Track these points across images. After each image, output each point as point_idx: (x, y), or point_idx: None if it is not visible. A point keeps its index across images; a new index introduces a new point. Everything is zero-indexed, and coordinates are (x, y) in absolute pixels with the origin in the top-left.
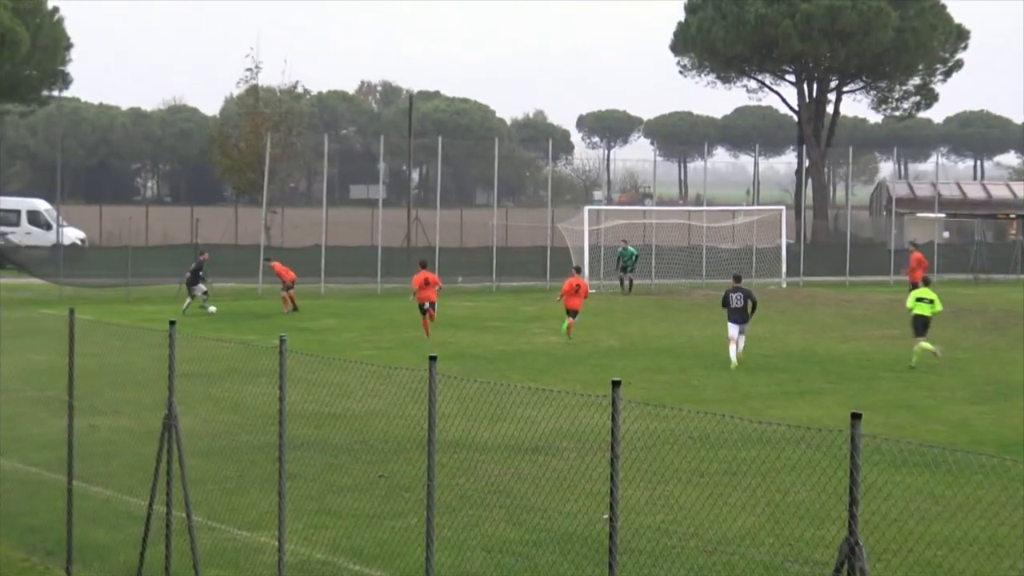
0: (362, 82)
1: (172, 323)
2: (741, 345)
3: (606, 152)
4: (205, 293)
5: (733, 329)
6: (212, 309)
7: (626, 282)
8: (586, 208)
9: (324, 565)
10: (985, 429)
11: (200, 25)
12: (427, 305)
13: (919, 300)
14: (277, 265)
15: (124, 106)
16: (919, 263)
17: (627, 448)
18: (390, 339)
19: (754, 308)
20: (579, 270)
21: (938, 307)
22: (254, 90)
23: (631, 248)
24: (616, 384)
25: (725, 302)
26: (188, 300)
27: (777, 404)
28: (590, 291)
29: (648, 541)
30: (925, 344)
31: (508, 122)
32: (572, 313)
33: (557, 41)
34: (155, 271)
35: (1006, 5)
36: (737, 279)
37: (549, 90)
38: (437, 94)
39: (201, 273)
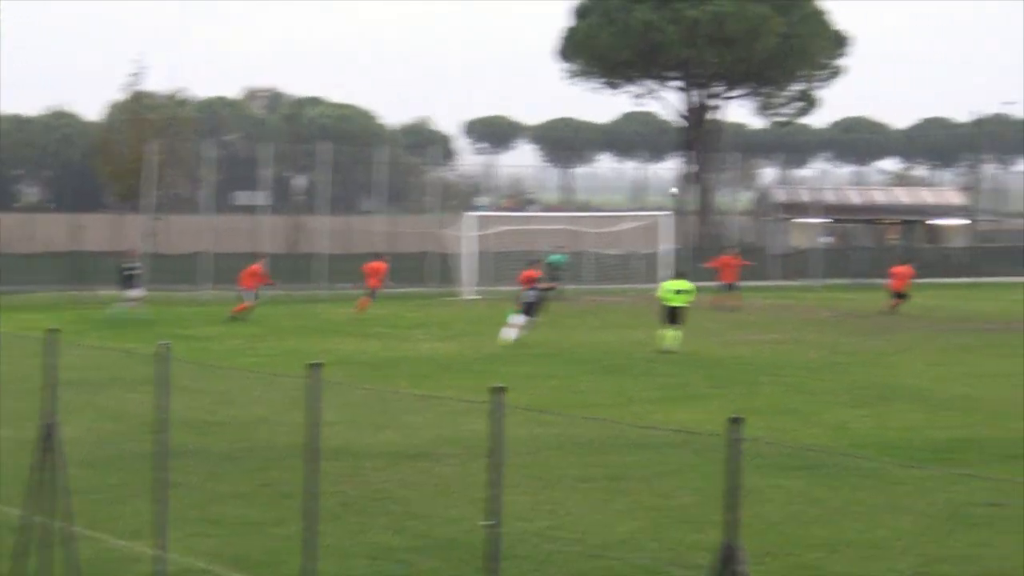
0: (247, 88)
1: (52, 331)
2: None
3: (491, 158)
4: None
5: None
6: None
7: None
8: (470, 214)
9: (205, 574)
10: (865, 432)
11: (84, 31)
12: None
13: (674, 292)
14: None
15: (4, 112)
16: (727, 265)
17: (511, 454)
18: (274, 346)
19: None
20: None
21: (692, 298)
22: (138, 96)
23: (557, 255)
24: (500, 390)
25: None
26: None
27: (661, 409)
28: (474, 298)
29: (531, 547)
30: (675, 333)
31: (393, 128)
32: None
33: (443, 47)
34: (35, 278)
35: (887, 13)
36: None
37: (435, 96)
38: (322, 100)
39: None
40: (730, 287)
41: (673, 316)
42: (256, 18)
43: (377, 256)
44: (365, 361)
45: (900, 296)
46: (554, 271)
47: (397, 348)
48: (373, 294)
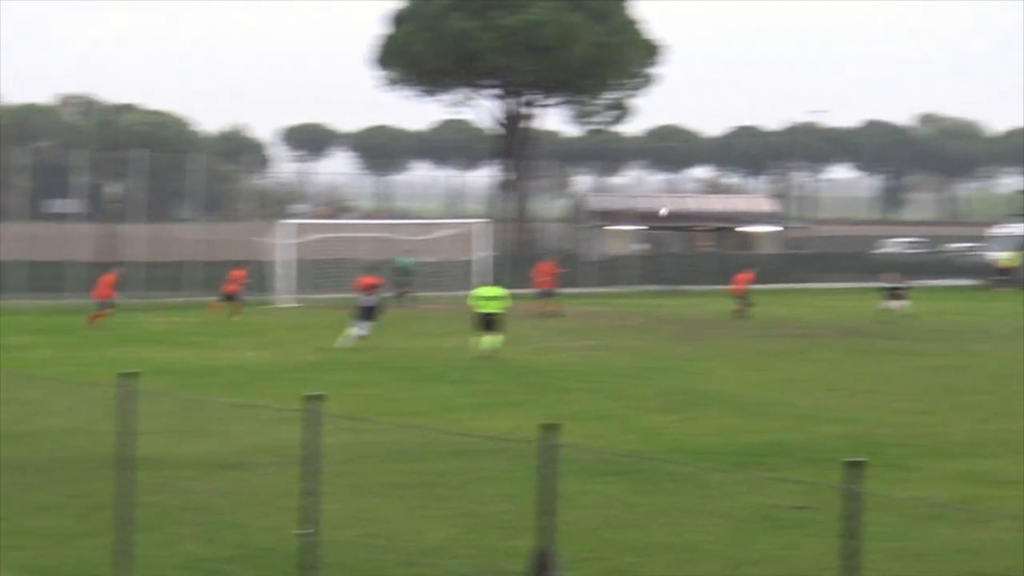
0: (60, 95)
1: None
2: None
3: (307, 165)
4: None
5: None
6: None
7: (404, 296)
8: (285, 222)
9: None
10: (677, 437)
11: None
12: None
13: (485, 298)
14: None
15: None
16: (545, 272)
17: (326, 462)
18: (90, 356)
19: None
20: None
21: (506, 303)
22: None
23: (406, 259)
24: (315, 398)
25: None
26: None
27: (476, 416)
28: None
29: (346, 555)
30: (492, 339)
31: (209, 135)
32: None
33: (259, 54)
34: None
35: (699, 23)
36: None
37: (251, 103)
38: (136, 107)
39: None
40: (547, 294)
41: (488, 323)
42: (69, 23)
43: (239, 264)
44: (181, 370)
45: (743, 300)
46: (404, 276)
47: (213, 357)
48: (230, 299)
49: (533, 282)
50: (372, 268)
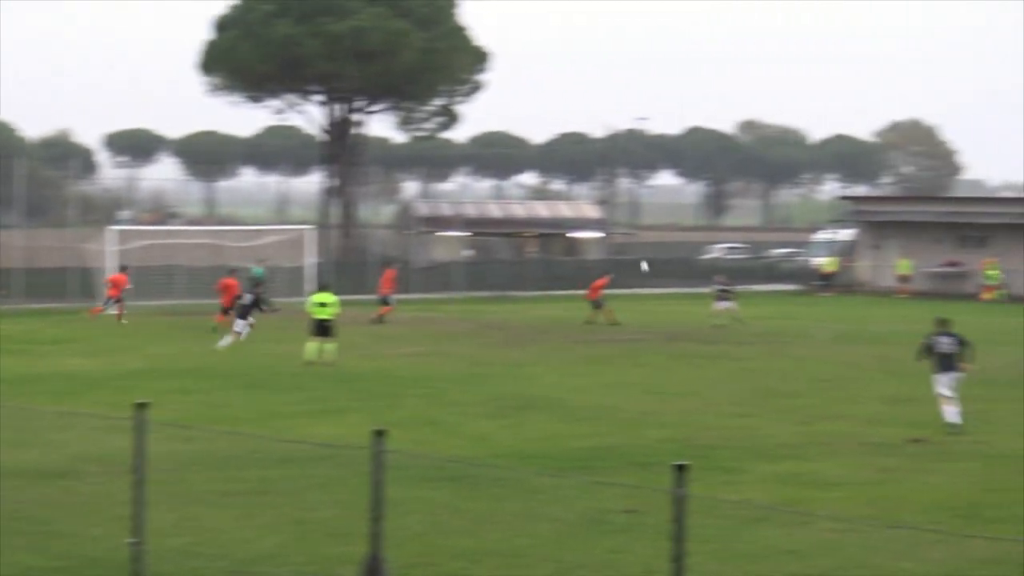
0: None
1: None
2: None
3: (133, 171)
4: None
5: (942, 382)
6: None
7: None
8: (112, 228)
9: None
10: (505, 442)
11: None
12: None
13: (317, 304)
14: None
15: None
16: (386, 278)
17: (153, 470)
18: None
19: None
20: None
21: (336, 310)
22: None
23: (258, 267)
24: (143, 406)
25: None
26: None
27: (303, 423)
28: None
29: (175, 564)
30: (323, 346)
31: (33, 141)
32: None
33: (84, 59)
34: None
35: (525, 30)
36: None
37: (75, 108)
38: None
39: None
40: (385, 300)
41: (321, 329)
42: None
43: (124, 269)
44: (5, 378)
45: (597, 306)
46: (256, 284)
47: (37, 365)
48: (108, 303)
49: (380, 288)
50: (232, 270)
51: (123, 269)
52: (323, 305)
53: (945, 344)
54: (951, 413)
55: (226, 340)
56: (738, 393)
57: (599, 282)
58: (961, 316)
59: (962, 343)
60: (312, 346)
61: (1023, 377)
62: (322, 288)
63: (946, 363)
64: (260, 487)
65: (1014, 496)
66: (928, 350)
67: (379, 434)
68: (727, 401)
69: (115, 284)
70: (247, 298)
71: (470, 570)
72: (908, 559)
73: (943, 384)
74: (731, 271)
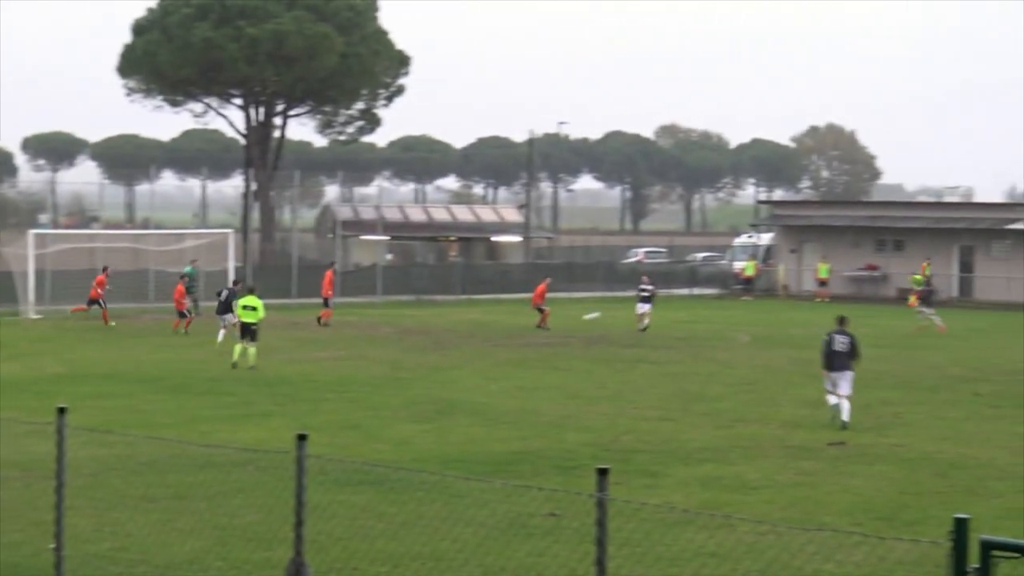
0: None
1: None
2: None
3: (52, 175)
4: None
5: (832, 380)
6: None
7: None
8: (31, 232)
9: None
10: (427, 447)
11: None
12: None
13: (244, 308)
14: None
15: None
16: (327, 280)
17: (74, 475)
18: None
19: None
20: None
21: (261, 314)
22: None
23: (189, 267)
24: (62, 411)
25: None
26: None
27: (225, 427)
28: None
29: (95, 569)
30: (252, 349)
31: None
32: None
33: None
34: None
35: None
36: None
37: None
38: None
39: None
40: (326, 302)
41: (247, 332)
42: None
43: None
44: None
45: (541, 310)
46: (191, 283)
47: None
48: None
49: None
50: (184, 275)
51: (104, 269)
52: (251, 309)
53: (840, 343)
54: (844, 411)
55: (220, 335)
56: (659, 397)
57: (541, 287)
58: (884, 320)
59: (854, 344)
60: (238, 348)
61: (941, 381)
62: (249, 292)
63: (839, 362)
64: (181, 492)
65: (932, 498)
66: (827, 347)
67: (301, 438)
68: (648, 405)
69: (99, 284)
70: (224, 294)
71: (392, 574)
72: (829, 561)
73: (832, 381)
74: (652, 275)
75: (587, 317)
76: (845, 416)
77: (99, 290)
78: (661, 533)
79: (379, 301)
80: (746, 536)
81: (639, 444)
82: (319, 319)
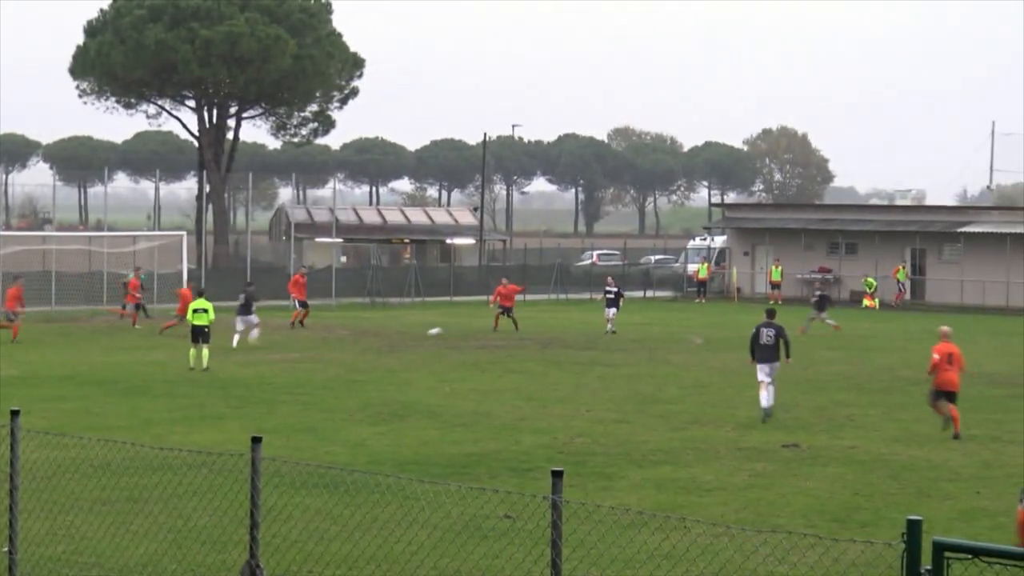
0: None
1: None
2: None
3: (3, 177)
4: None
5: (763, 371)
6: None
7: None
8: None
9: None
10: (382, 449)
11: None
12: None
13: (195, 311)
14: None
15: None
16: (296, 282)
17: (27, 478)
18: None
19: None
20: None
21: (212, 316)
22: None
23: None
24: (15, 413)
25: (755, 340)
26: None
27: (179, 430)
28: None
29: (49, 572)
30: (205, 351)
31: None
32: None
33: None
34: None
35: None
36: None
37: None
38: None
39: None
40: (302, 304)
41: (199, 335)
42: None
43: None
44: None
45: (507, 312)
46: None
47: None
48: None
49: (291, 293)
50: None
51: (136, 270)
52: (203, 311)
53: (766, 335)
54: (765, 398)
55: (254, 334)
56: (613, 399)
57: (514, 288)
58: (842, 322)
59: (779, 335)
60: (193, 352)
61: (894, 383)
62: (199, 295)
63: (766, 353)
64: (135, 495)
65: (885, 500)
66: (754, 339)
67: (256, 441)
68: (603, 407)
69: (133, 288)
70: (242, 297)
71: None
72: (783, 563)
73: (763, 372)
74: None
75: (431, 332)
76: (766, 402)
77: (136, 295)
78: (616, 535)
79: (334, 303)
80: (700, 538)
81: (594, 446)
82: (296, 321)
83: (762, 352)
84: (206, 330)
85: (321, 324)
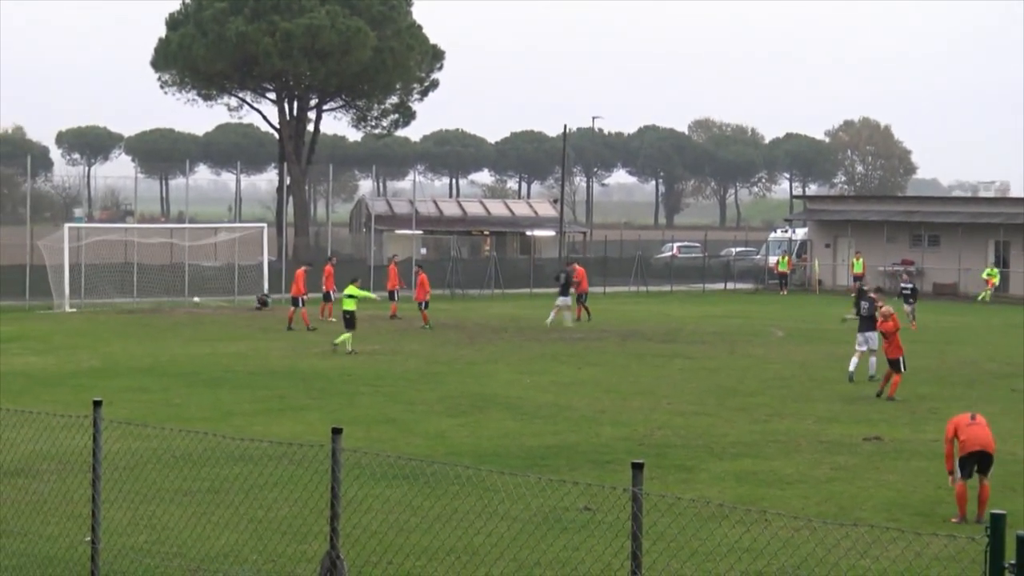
0: None
1: None
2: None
3: (86, 169)
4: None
5: (858, 339)
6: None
7: None
8: (66, 225)
9: None
10: (461, 441)
11: None
12: None
13: (347, 296)
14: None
15: None
16: (394, 274)
17: (109, 468)
18: None
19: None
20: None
21: (359, 300)
22: None
23: None
24: (97, 404)
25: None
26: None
27: (260, 421)
28: (71, 311)
29: (131, 562)
30: (348, 336)
31: None
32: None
33: (36, 55)
34: None
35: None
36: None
37: (28, 105)
38: None
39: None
40: (391, 295)
41: (347, 319)
42: None
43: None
44: None
45: (581, 299)
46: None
47: None
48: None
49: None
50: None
51: (330, 258)
52: (351, 297)
53: (864, 307)
54: (853, 363)
55: (567, 316)
56: (694, 392)
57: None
58: (920, 315)
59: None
60: (347, 336)
61: (977, 376)
62: (351, 282)
63: (862, 323)
64: (216, 485)
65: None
66: (856, 307)
67: (336, 432)
68: (683, 400)
69: (327, 275)
70: (562, 277)
71: (427, 568)
72: (865, 557)
73: (858, 340)
74: (687, 270)
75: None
76: (851, 367)
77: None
78: (696, 528)
79: (413, 295)
80: (781, 531)
81: (674, 439)
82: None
83: (860, 322)
84: (351, 314)
85: (401, 316)
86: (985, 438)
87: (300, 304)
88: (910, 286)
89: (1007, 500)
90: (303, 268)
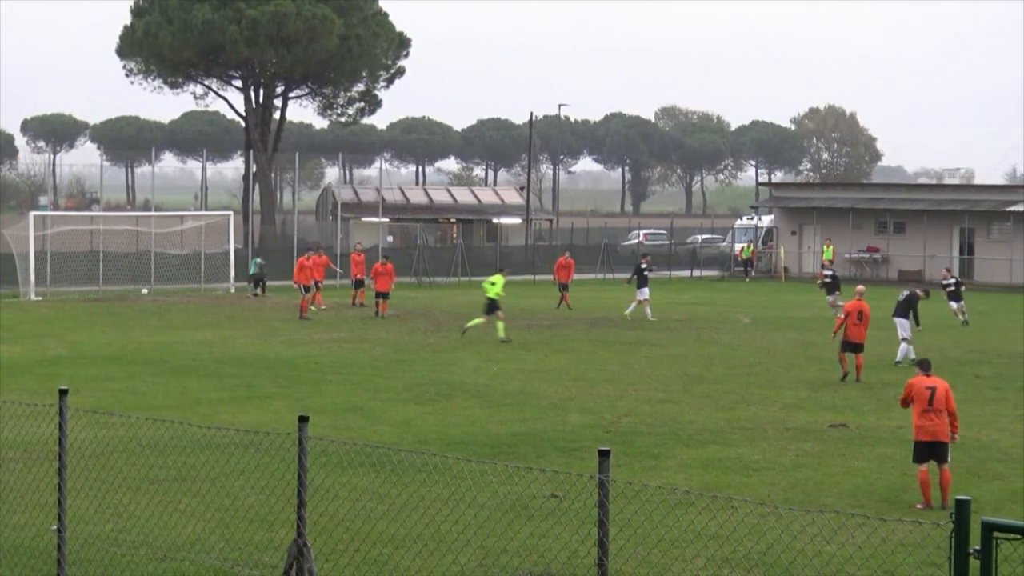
0: None
1: None
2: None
3: (52, 156)
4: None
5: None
6: None
7: None
8: (32, 214)
9: None
10: (429, 428)
11: None
12: None
13: (490, 284)
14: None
15: None
16: (355, 262)
17: (75, 457)
18: None
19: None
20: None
21: (499, 290)
22: None
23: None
24: (63, 392)
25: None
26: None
27: (227, 409)
28: (37, 300)
29: (98, 550)
30: (499, 322)
31: None
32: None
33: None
34: None
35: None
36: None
37: None
38: None
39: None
40: (358, 283)
41: (490, 306)
42: None
43: None
44: None
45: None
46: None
47: None
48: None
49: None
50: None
51: (317, 250)
52: (492, 284)
53: (901, 293)
54: (900, 351)
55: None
56: (660, 379)
57: (568, 262)
58: (886, 302)
59: (908, 298)
60: (478, 320)
61: (942, 363)
62: (498, 271)
63: (896, 308)
64: (183, 474)
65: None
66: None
67: (303, 420)
68: (649, 387)
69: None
70: (634, 269)
71: (394, 556)
72: (831, 543)
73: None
74: (653, 258)
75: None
76: (899, 356)
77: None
78: (663, 515)
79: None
80: (747, 518)
81: (641, 426)
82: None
83: (895, 308)
84: (494, 301)
85: (368, 304)
86: (937, 428)
87: (315, 288)
88: (952, 281)
89: (971, 486)
90: (312, 255)
